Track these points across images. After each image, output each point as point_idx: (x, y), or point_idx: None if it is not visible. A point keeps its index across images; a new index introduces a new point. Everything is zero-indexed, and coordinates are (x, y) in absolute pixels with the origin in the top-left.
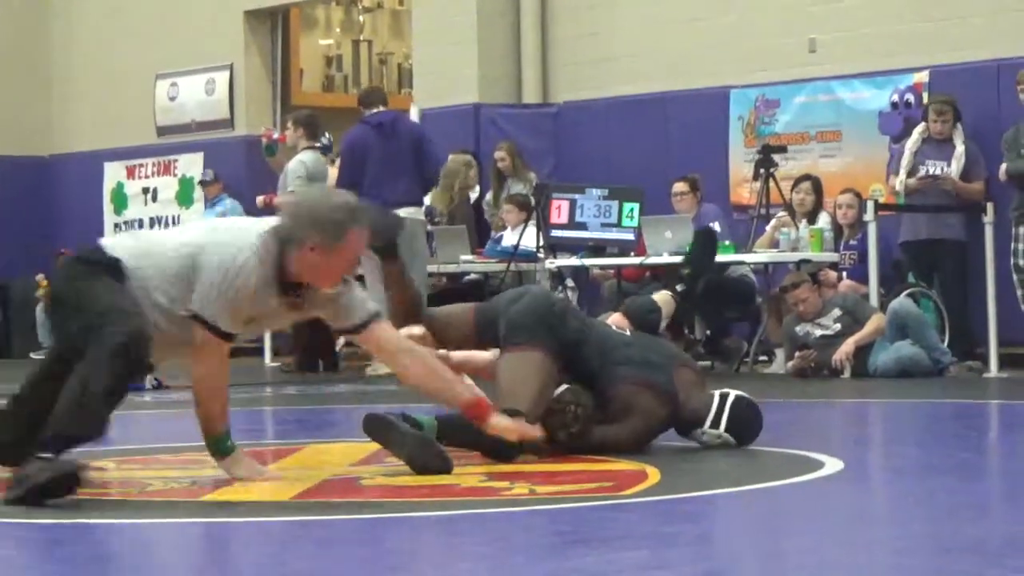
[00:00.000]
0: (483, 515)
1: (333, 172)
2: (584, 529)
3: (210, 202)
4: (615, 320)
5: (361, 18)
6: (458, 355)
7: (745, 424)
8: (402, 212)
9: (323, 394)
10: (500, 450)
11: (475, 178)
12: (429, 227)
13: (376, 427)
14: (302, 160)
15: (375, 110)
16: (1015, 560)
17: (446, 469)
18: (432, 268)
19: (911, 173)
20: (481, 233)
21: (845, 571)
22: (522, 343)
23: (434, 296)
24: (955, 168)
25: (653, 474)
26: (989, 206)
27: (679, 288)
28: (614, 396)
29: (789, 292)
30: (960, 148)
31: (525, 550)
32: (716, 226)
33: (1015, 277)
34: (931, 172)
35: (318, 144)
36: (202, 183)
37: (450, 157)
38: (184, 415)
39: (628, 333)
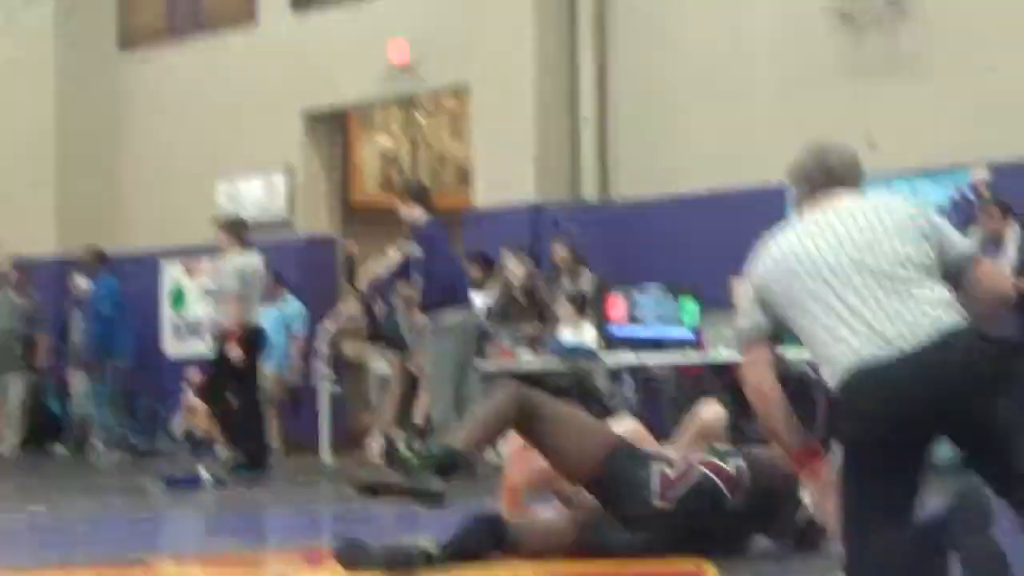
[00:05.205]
0: None
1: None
2: None
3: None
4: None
5: (420, 119)
6: None
7: None
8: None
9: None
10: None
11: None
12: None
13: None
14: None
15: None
16: None
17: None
18: (492, 367)
19: None
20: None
21: None
22: None
23: None
24: (1006, 265)
25: (708, 571)
26: None
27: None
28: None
29: None
30: (1010, 245)
31: None
32: None
33: None
34: None
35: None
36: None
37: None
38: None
39: None
